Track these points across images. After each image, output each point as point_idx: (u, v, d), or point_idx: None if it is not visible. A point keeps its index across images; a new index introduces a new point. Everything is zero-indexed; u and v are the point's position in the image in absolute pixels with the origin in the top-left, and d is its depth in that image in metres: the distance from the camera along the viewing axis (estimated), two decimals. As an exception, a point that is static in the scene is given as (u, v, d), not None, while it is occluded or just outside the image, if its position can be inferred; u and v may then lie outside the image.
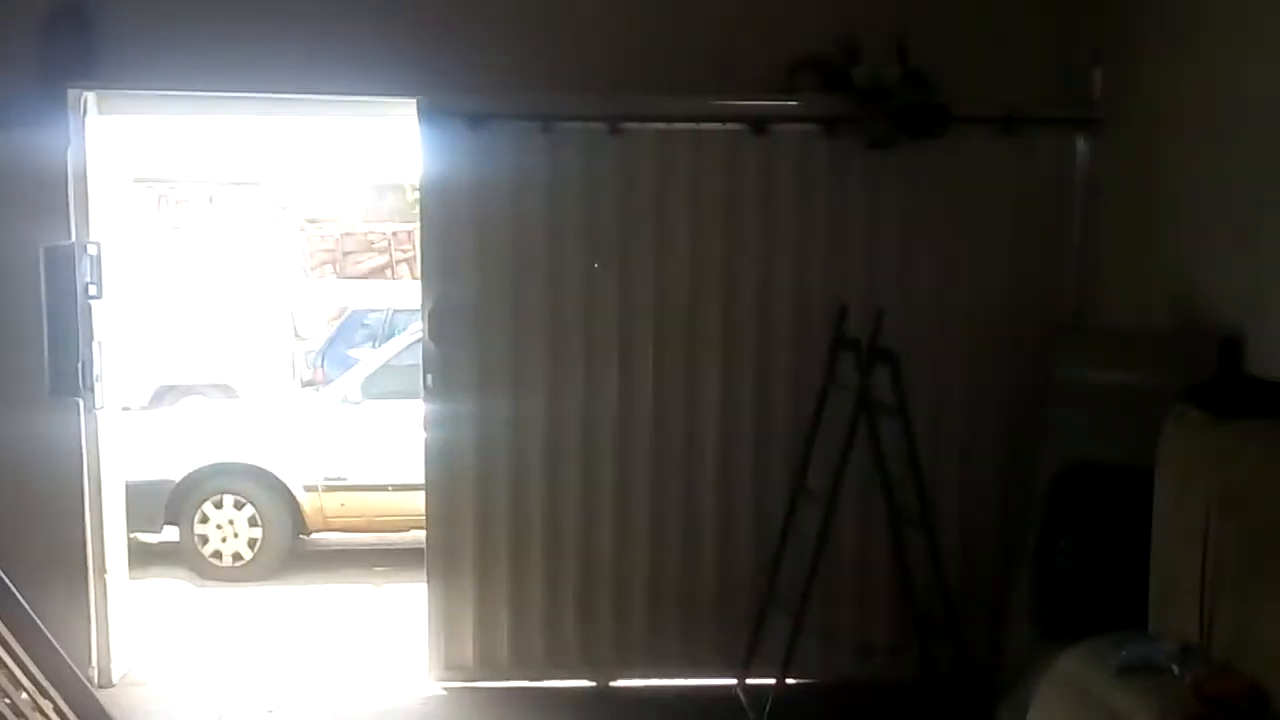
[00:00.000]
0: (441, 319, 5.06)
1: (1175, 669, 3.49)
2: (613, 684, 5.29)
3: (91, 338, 4.96)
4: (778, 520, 5.09)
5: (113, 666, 5.17)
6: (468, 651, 5.21)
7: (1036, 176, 5.19)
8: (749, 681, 5.12)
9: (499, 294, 5.06)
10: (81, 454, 4.99)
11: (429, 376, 5.09)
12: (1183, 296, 4.47)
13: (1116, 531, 4.27)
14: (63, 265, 4.87)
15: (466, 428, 5.11)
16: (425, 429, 5.15)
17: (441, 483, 5.15)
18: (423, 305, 5.09)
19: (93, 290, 4.96)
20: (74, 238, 4.89)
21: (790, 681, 4.81)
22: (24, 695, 4.00)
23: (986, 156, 5.13)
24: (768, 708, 4.73)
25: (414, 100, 4.95)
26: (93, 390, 4.96)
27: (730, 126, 5.01)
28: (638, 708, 5.20)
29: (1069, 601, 4.45)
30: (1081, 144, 5.22)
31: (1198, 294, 4.39)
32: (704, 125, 5.01)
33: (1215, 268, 4.33)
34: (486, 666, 5.22)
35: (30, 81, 4.82)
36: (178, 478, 7.35)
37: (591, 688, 5.27)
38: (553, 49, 4.99)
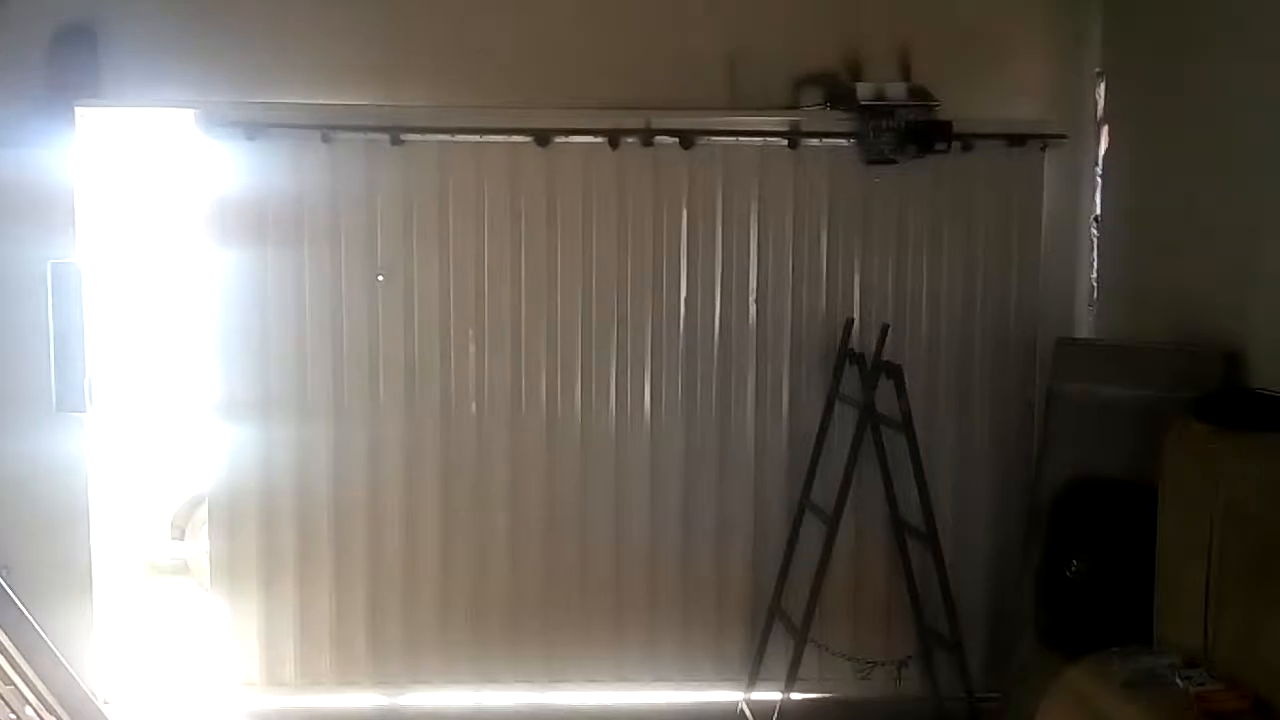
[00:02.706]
0: (225, 333, 5.03)
1: (1179, 682, 3.50)
2: (401, 701, 5.22)
3: (98, 353, 4.97)
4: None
5: (119, 682, 5.17)
6: (254, 666, 5.16)
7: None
8: (752, 697, 5.13)
9: (281, 306, 5.02)
10: (88, 469, 5.01)
11: (218, 391, 5.04)
12: (1185, 311, 4.47)
13: (1120, 545, 4.28)
14: (70, 281, 4.89)
15: (251, 440, 5.06)
16: (209, 442, 5.10)
17: (225, 497, 5.09)
18: (204, 319, 5.04)
19: (100, 306, 4.98)
20: (81, 254, 4.91)
21: (795, 696, 4.82)
22: (29, 710, 4.02)
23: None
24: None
25: (192, 111, 4.92)
26: (98, 406, 4.98)
27: (515, 139, 4.99)
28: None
29: (1073, 615, 4.46)
30: (1084, 159, 5.24)
31: (1200, 308, 4.40)
32: (487, 137, 4.99)
33: (1217, 281, 4.33)
34: (272, 682, 5.17)
35: (38, 99, 4.85)
36: (188, 494, 7.35)
37: (381, 704, 5.21)
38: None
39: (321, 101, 4.97)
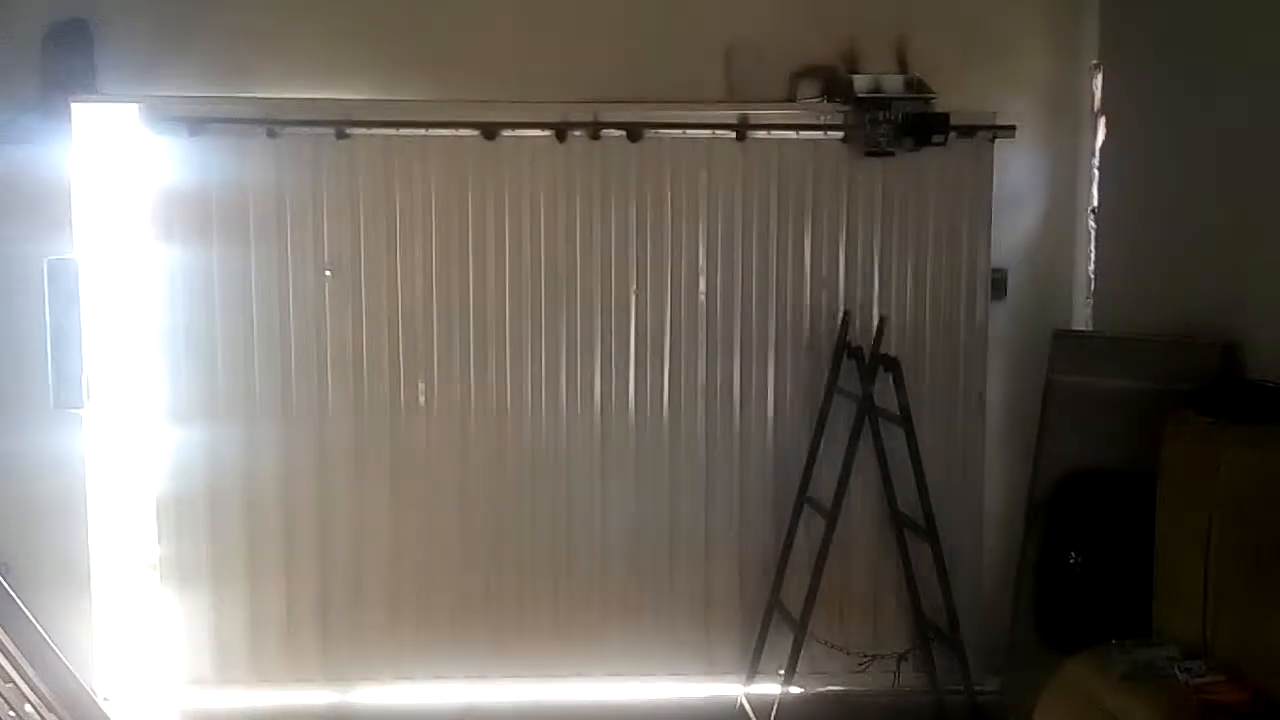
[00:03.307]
0: (171, 330, 5.01)
1: (1179, 675, 3.51)
2: (351, 698, 5.20)
3: (96, 350, 4.97)
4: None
5: (119, 679, 5.16)
6: (205, 663, 5.15)
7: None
8: (751, 691, 5.13)
9: (227, 303, 5.00)
10: (86, 466, 5.00)
11: (157, 388, 5.02)
12: (1183, 303, 4.47)
13: (1118, 538, 4.28)
14: (66, 278, 4.88)
15: (199, 438, 5.05)
16: (155, 441, 5.08)
17: (174, 495, 5.07)
18: (149, 316, 5.01)
19: (96, 303, 4.97)
20: (78, 251, 4.90)
21: (794, 690, 4.83)
22: (29, 708, 4.01)
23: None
24: (772, 718, 4.73)
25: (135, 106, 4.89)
26: (96, 402, 4.97)
27: (462, 133, 4.98)
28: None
29: (1072, 608, 4.46)
30: (1081, 150, 5.24)
31: (1198, 300, 4.40)
32: (433, 131, 4.97)
33: (1215, 273, 4.33)
34: (225, 680, 5.16)
35: (33, 95, 4.84)
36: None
37: (333, 701, 5.19)
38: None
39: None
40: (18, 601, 4.06)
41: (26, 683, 3.98)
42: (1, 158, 4.82)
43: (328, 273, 5.03)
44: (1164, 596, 3.90)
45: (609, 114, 5.00)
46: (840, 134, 5.07)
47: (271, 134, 4.91)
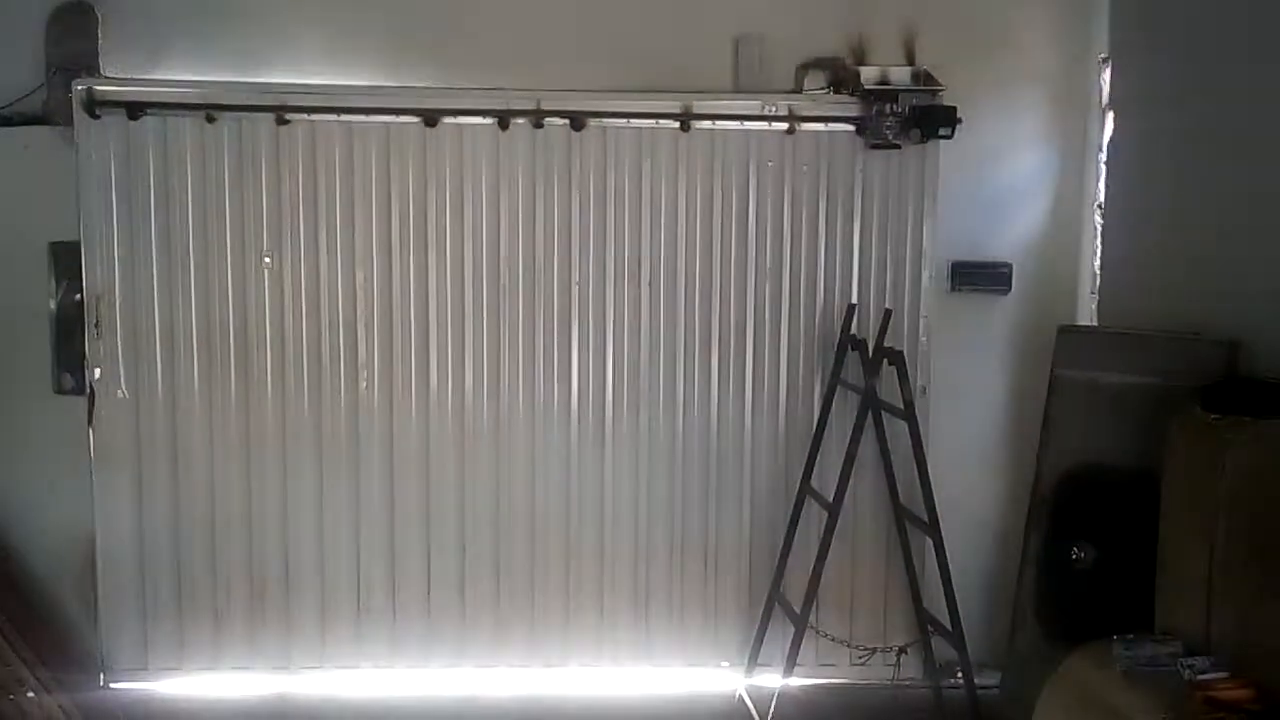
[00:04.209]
0: (109, 315, 4.97)
1: (1181, 671, 3.51)
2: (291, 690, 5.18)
3: (98, 335, 4.95)
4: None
5: (119, 664, 5.15)
6: (140, 649, 5.09)
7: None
8: (751, 682, 5.13)
9: (167, 290, 4.98)
10: (89, 450, 4.99)
11: (96, 371, 4.98)
12: (1189, 298, 4.46)
13: (1122, 533, 4.28)
14: (69, 261, 4.87)
15: (131, 423, 5.01)
16: (90, 423, 5.02)
17: (110, 480, 5.02)
18: (86, 301, 4.96)
19: (100, 287, 4.95)
20: (80, 234, 4.89)
21: (794, 682, 4.82)
22: (30, 693, 4.02)
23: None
24: (771, 710, 4.74)
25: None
26: (97, 387, 4.96)
27: (403, 120, 4.96)
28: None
29: (1075, 603, 4.46)
30: (1089, 145, 5.22)
31: (1204, 295, 4.38)
32: (374, 118, 4.94)
33: (1221, 269, 4.32)
34: (156, 664, 5.11)
35: (36, 77, 4.83)
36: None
37: (277, 691, 5.15)
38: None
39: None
40: (19, 586, 4.07)
41: (26, 667, 3.99)
42: (4, 140, 4.81)
43: (267, 260, 5.01)
44: (1167, 592, 3.90)
45: (552, 103, 4.96)
46: (786, 126, 5.02)
47: (210, 119, 4.88)
